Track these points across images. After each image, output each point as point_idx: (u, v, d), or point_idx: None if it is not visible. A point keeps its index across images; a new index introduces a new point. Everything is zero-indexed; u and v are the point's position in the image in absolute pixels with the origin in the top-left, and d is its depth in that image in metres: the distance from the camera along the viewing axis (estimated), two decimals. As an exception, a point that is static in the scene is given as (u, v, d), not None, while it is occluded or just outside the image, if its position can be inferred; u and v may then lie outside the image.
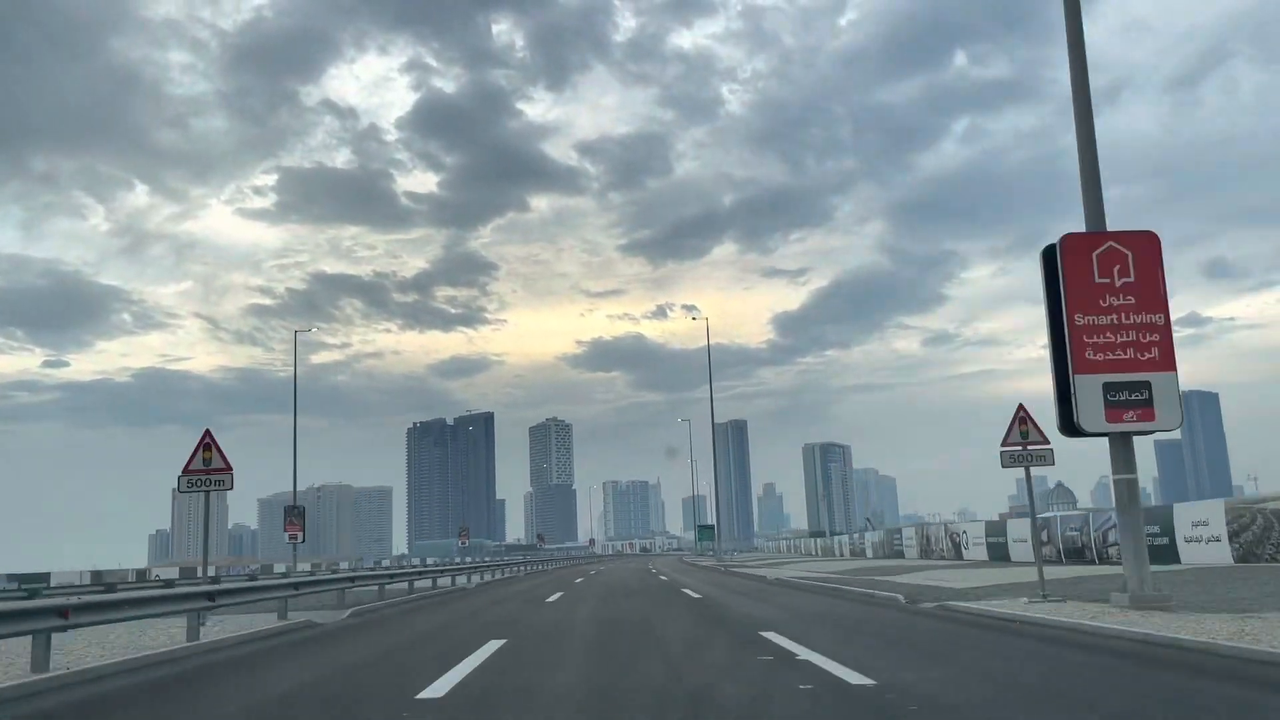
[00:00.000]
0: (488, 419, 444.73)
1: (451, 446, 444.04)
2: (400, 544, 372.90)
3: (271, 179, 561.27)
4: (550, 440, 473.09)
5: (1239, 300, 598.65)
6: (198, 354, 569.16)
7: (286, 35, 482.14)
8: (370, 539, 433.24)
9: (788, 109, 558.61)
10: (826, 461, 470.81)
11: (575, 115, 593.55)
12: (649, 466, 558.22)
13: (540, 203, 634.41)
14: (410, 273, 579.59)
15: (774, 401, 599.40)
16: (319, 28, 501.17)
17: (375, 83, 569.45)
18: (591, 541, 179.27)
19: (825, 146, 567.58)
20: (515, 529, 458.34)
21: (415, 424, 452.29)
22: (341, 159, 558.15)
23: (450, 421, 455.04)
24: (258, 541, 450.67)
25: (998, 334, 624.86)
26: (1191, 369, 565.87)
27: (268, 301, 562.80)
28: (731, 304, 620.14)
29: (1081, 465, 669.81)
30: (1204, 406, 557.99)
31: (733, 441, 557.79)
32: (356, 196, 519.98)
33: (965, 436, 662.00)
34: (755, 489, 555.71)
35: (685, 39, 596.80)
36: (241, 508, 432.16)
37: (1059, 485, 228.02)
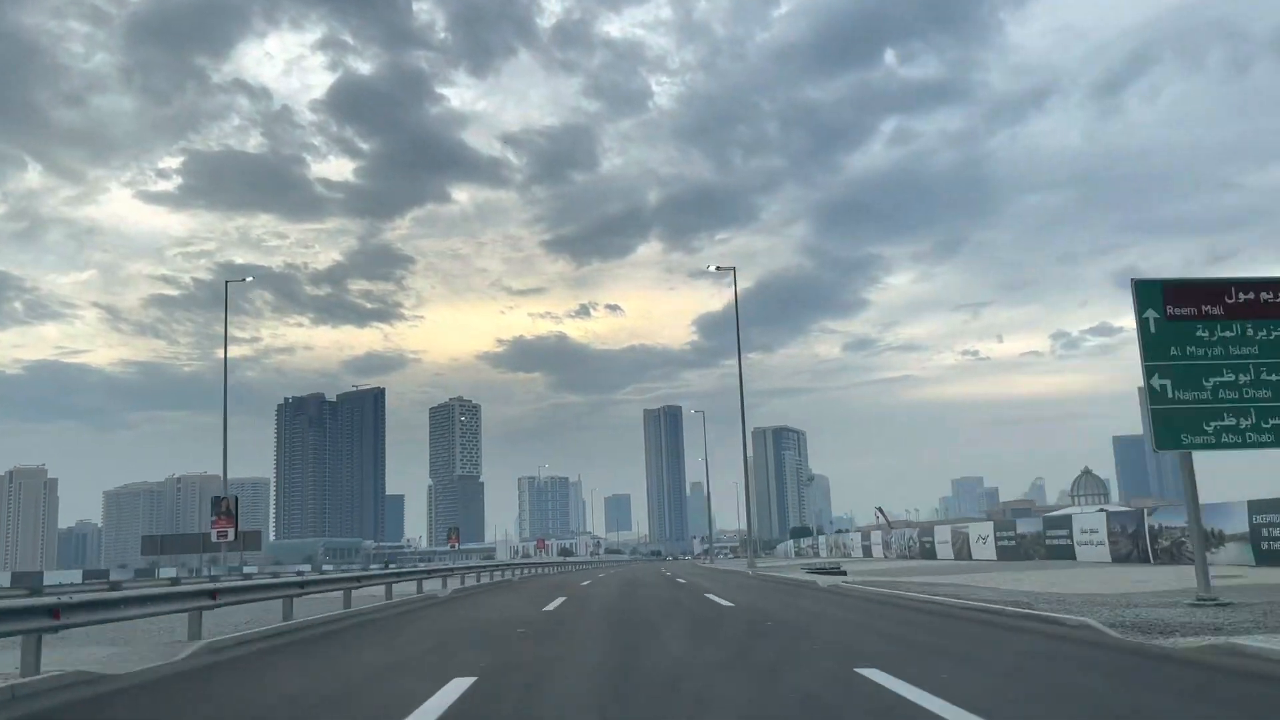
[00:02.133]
0: (377, 396, 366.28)
1: (331, 428, 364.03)
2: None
3: (176, 162, 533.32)
4: (454, 424, 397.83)
5: None
6: (97, 346, 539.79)
7: (194, 7, 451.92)
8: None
9: (716, 103, 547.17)
10: (780, 448, 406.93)
11: (498, 103, 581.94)
12: (569, 467, 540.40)
13: (461, 194, 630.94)
14: (324, 265, 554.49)
15: (697, 404, 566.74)
16: (236, 5, 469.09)
17: (289, 61, 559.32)
18: (543, 544, 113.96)
19: (753, 144, 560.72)
20: (415, 527, 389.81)
21: (286, 399, 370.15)
22: (252, 142, 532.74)
23: (332, 398, 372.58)
24: (102, 542, 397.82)
25: (918, 339, 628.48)
26: (1106, 377, 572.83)
27: (172, 292, 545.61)
28: (655, 304, 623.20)
29: (1016, 470, 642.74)
30: None
31: (665, 431, 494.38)
32: (268, 183, 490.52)
33: (889, 442, 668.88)
34: (686, 489, 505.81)
35: (614, 26, 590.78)
36: (83, 503, 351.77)
37: (1086, 472, 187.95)
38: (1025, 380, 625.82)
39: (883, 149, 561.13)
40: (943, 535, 45.44)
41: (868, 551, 61.48)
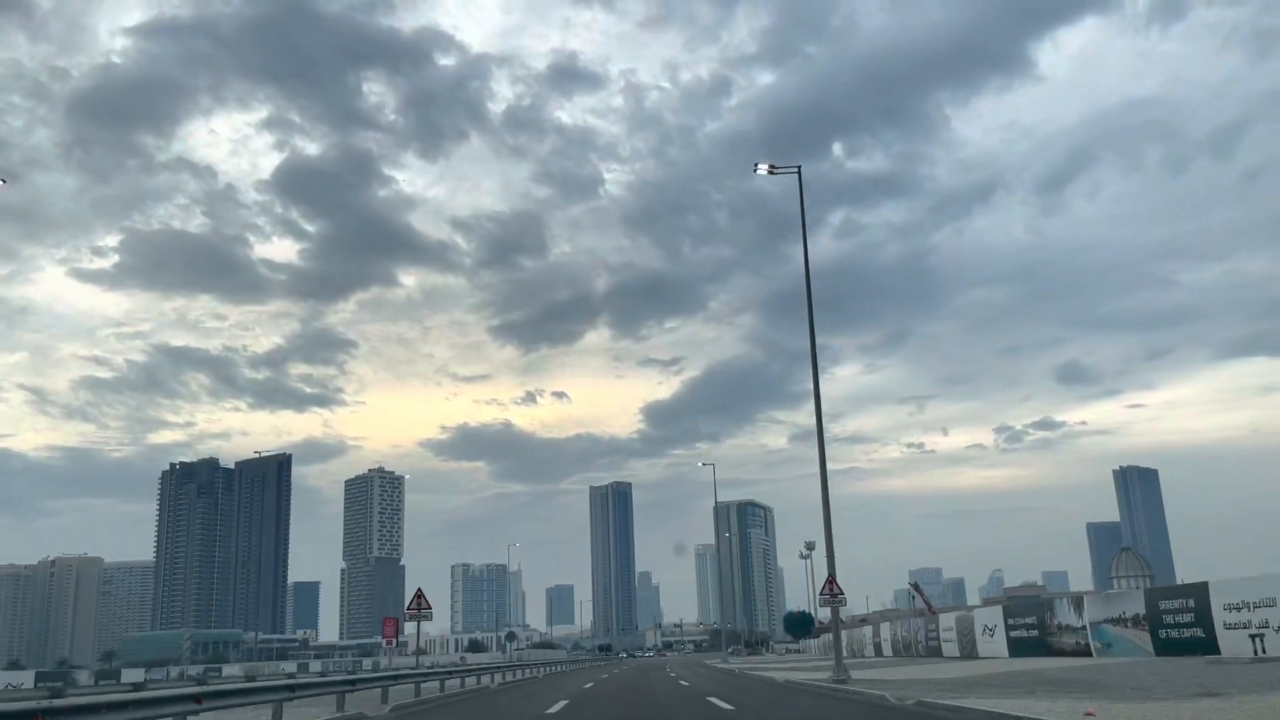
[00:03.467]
0: (282, 464, 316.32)
1: (224, 500, 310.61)
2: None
3: (115, 240, 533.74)
4: (372, 499, 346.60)
5: (1088, 406, 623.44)
6: (22, 430, 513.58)
7: (139, 83, 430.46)
8: (126, 626, 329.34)
9: (666, 191, 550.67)
10: (745, 525, 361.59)
11: (448, 186, 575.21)
12: (509, 557, 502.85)
13: (408, 279, 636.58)
14: (264, 348, 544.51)
15: (645, 494, 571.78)
16: (174, 76, 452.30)
17: (235, 141, 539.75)
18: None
19: (702, 233, 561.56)
20: (329, 616, 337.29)
21: (172, 465, 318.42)
22: (194, 222, 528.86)
23: (230, 465, 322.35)
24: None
25: (864, 431, 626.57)
26: (1047, 470, 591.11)
27: (104, 374, 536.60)
28: (603, 392, 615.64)
29: (974, 561, 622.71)
30: (1145, 486, 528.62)
31: (614, 513, 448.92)
32: (209, 263, 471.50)
33: (839, 534, 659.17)
34: (635, 578, 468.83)
35: (565, 112, 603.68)
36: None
37: (1126, 551, 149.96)
38: (971, 473, 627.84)
39: (830, 240, 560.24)
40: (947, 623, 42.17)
41: (879, 649, 55.27)
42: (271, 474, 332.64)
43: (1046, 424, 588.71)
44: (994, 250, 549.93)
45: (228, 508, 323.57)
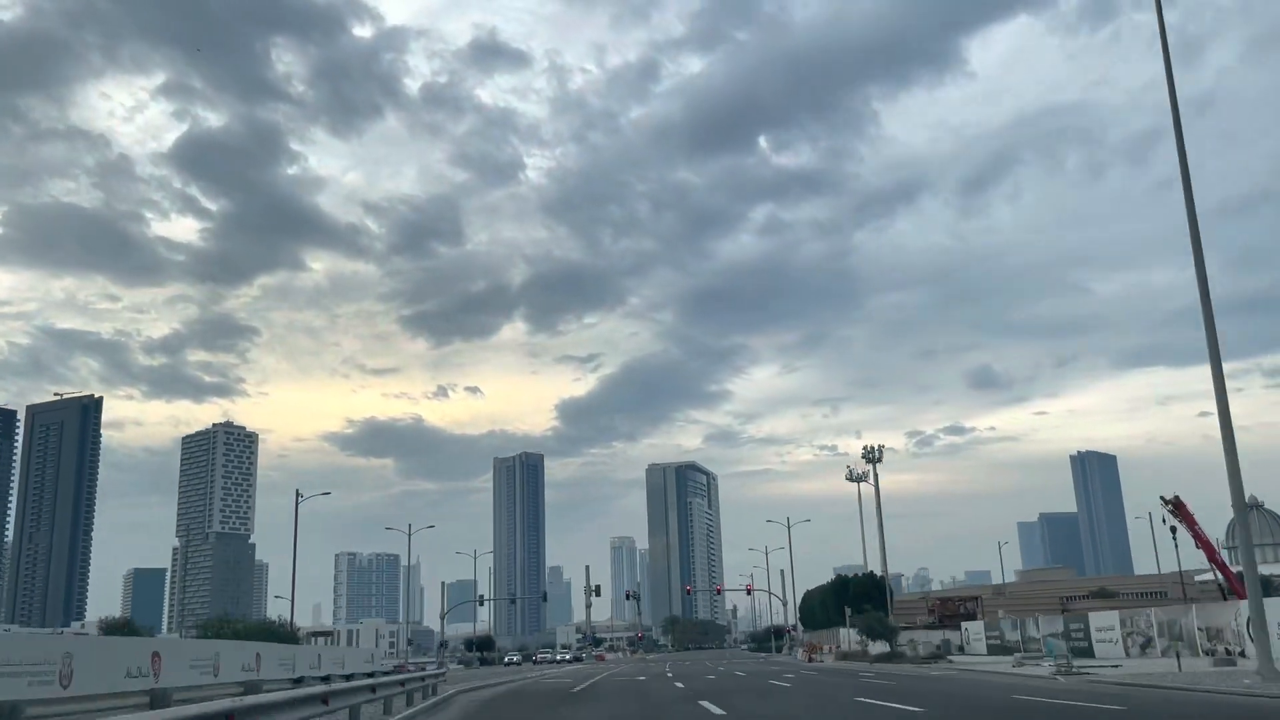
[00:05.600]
0: (87, 408, 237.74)
1: (2, 449, 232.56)
2: None
3: None
4: (214, 459, 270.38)
5: (998, 412, 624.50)
6: None
7: (20, 38, 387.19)
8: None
9: (588, 180, 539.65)
10: (685, 493, 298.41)
11: (359, 166, 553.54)
12: (408, 547, 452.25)
13: (316, 263, 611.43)
14: (160, 333, 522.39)
15: (558, 493, 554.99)
16: (60, 33, 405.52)
17: (130, 107, 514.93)
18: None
19: (624, 224, 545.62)
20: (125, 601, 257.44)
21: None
22: (85, 196, 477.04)
23: (16, 413, 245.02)
24: None
25: (777, 433, 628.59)
26: (957, 475, 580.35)
27: None
28: (518, 388, 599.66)
29: (895, 561, 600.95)
30: (1104, 470, 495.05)
31: (524, 494, 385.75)
32: (101, 241, 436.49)
33: (747, 537, 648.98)
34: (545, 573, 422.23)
35: (485, 91, 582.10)
36: None
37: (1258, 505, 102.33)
38: (883, 477, 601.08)
39: (754, 238, 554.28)
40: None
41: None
42: (73, 422, 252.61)
43: (956, 429, 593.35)
44: (913, 252, 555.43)
45: (3, 463, 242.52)
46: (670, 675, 40.00)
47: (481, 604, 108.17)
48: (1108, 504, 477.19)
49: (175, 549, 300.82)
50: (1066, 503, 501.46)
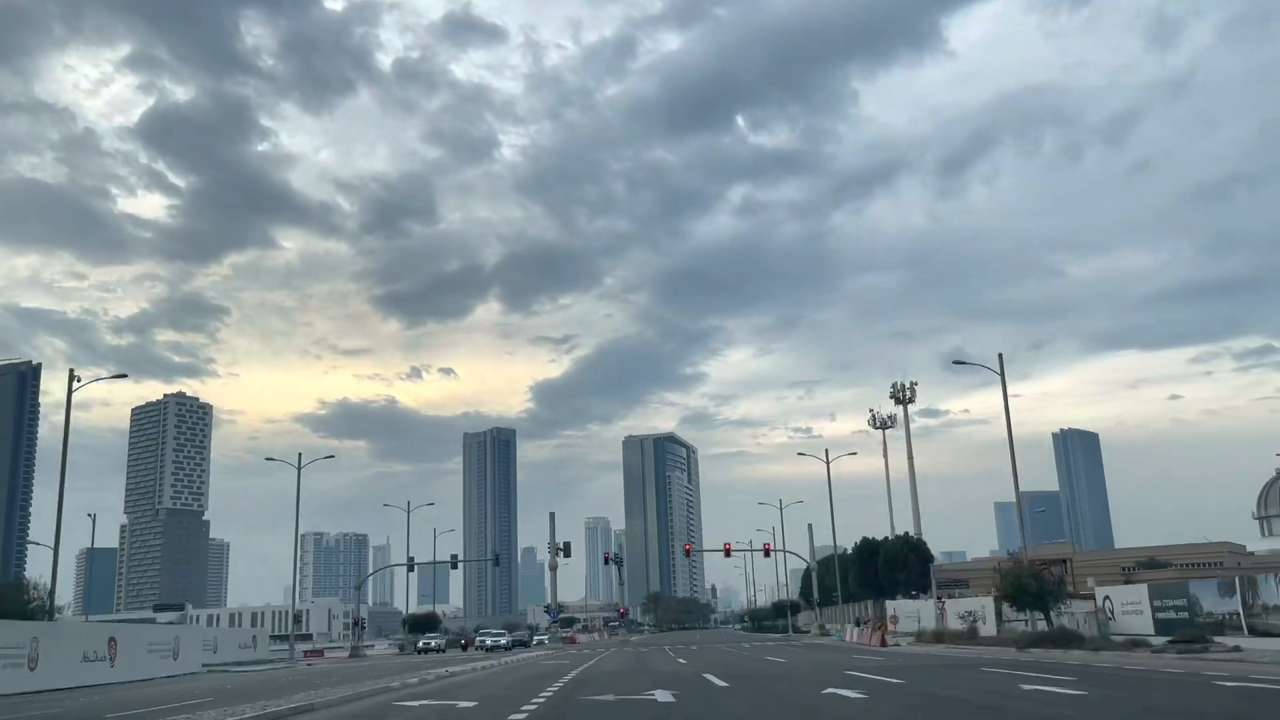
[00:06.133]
0: (23, 376, 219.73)
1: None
2: None
3: None
4: (165, 430, 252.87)
5: (972, 395, 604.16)
6: None
7: None
8: None
9: (564, 158, 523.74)
10: (663, 466, 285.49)
11: (331, 143, 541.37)
12: (382, 535, 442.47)
13: (287, 242, 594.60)
14: (127, 312, 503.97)
15: (531, 474, 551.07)
16: (24, 5, 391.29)
17: (95, 80, 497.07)
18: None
19: (599, 204, 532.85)
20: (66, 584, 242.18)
21: None
22: (49, 171, 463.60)
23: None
24: None
25: (752, 416, 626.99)
26: (935, 457, 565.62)
27: None
28: (492, 370, 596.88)
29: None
30: (1086, 448, 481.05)
31: (494, 472, 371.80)
32: (66, 217, 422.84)
33: (721, 521, 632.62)
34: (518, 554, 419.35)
35: (459, 66, 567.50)
36: None
37: None
38: (856, 459, 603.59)
39: (730, 218, 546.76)
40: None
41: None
42: (10, 384, 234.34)
43: (929, 412, 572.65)
44: (889, 234, 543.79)
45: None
46: (724, 685, 19.07)
47: (412, 568, 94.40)
48: (1090, 482, 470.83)
49: (124, 526, 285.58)
50: (1045, 483, 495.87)
